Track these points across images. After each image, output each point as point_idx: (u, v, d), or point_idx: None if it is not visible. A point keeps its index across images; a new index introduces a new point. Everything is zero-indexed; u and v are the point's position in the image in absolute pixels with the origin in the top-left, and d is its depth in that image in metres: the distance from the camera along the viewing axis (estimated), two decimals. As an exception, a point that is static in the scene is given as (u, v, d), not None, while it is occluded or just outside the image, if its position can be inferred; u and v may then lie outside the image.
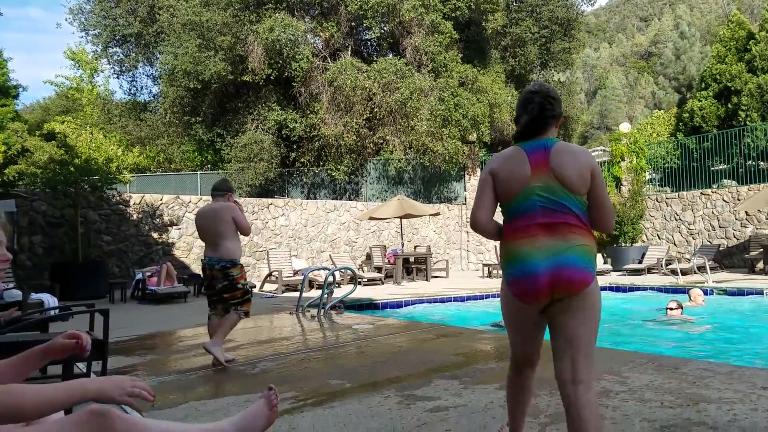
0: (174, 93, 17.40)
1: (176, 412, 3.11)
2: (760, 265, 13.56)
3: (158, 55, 19.56)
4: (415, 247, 16.36)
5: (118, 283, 10.72)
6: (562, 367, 2.08)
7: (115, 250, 12.25)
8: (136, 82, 22.09)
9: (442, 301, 10.01)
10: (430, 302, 9.88)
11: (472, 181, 18.81)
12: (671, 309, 7.79)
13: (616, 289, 11.89)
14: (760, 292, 9.57)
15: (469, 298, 9.90)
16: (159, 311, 8.74)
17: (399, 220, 14.84)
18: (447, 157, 16.99)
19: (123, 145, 22.47)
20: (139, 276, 10.65)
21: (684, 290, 10.48)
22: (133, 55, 20.75)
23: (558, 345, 2.11)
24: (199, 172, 21.82)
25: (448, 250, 17.58)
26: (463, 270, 17.43)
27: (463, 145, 17.59)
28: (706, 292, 10.12)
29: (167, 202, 13.20)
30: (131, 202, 12.72)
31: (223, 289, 4.52)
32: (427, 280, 13.81)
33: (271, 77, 17.17)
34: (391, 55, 19.32)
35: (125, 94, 24.69)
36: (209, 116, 18.73)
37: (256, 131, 17.75)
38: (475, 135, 17.88)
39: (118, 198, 12.59)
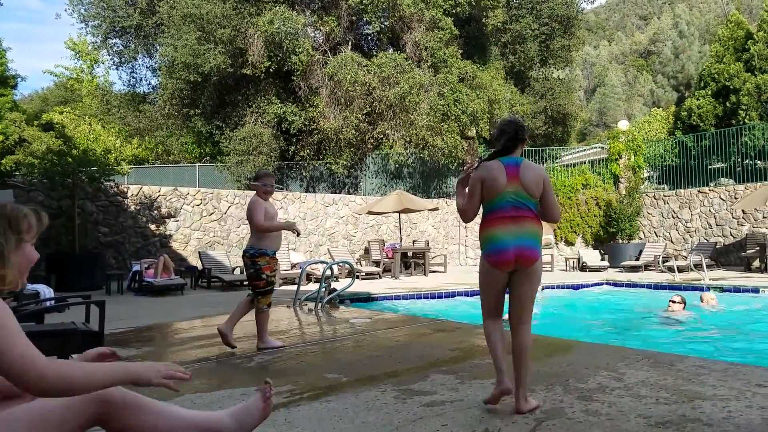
0: (173, 85, 17.34)
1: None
2: (756, 263, 13.60)
3: (158, 47, 19.47)
4: (414, 241, 16.37)
5: (114, 275, 10.71)
6: (514, 313, 3.07)
7: (112, 242, 12.24)
8: (136, 73, 22.01)
9: (440, 296, 10.02)
10: (428, 297, 9.90)
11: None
12: (674, 302, 7.81)
13: (614, 284, 11.91)
14: (756, 290, 9.60)
15: (467, 293, 9.91)
16: (156, 303, 8.74)
17: (398, 214, 14.85)
18: (446, 152, 16.99)
19: (121, 137, 22.46)
20: (136, 268, 10.64)
21: (680, 287, 10.53)
22: (133, 46, 20.65)
23: (513, 300, 3.07)
24: (197, 165, 21.79)
25: (446, 245, 17.59)
26: (462, 265, 17.45)
27: (462, 141, 17.58)
28: (703, 289, 10.18)
29: (165, 194, 13.18)
30: (129, 194, 12.70)
31: (250, 276, 4.74)
32: (425, 274, 13.83)
33: (271, 70, 17.11)
34: (391, 50, 19.28)
35: (124, 85, 24.63)
36: (208, 108, 18.69)
37: (255, 124, 17.71)
38: (474, 131, 17.88)
39: (115, 189, 12.56)
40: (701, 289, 10.19)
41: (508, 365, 2.93)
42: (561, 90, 22.42)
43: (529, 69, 22.35)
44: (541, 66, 22.81)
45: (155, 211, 12.92)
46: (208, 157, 23.17)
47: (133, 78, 22.06)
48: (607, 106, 43.58)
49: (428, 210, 15.24)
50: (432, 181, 19.50)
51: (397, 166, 18.42)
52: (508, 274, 3.00)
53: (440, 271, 14.81)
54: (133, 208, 12.66)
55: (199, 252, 12.39)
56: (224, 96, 18.74)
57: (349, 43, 18.94)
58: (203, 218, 13.58)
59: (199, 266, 11.88)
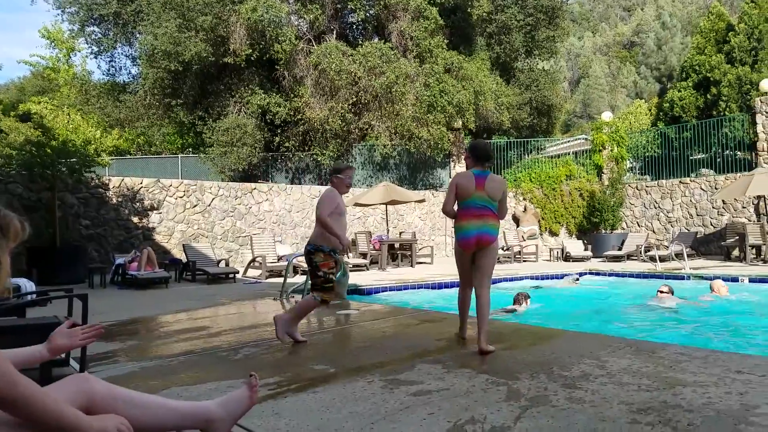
0: (154, 74, 17.08)
1: (159, 396, 3.10)
2: (736, 252, 13.84)
3: (137, 35, 19.16)
4: (401, 233, 16.40)
5: (97, 268, 10.60)
6: (476, 280, 4.28)
7: (93, 235, 12.09)
8: (115, 62, 21.59)
9: (427, 287, 10.07)
10: (415, 288, 9.94)
11: (458, 168, 18.87)
12: (662, 292, 7.92)
13: (596, 273, 12.05)
14: (735, 279, 9.77)
15: (453, 284, 9.94)
16: (139, 297, 8.67)
17: (384, 206, 14.85)
18: (432, 144, 17.00)
19: (101, 127, 22.12)
20: (119, 261, 10.53)
21: (661, 276, 10.69)
22: (112, 34, 20.26)
23: (476, 272, 4.29)
24: (180, 156, 21.56)
25: (433, 237, 17.65)
26: (448, 256, 17.52)
27: (449, 132, 17.60)
28: (684, 278, 10.33)
29: (147, 185, 13.04)
30: (110, 186, 12.54)
31: (309, 272, 4.77)
32: (412, 266, 13.87)
33: (253, 59, 16.92)
34: (376, 39, 19.18)
35: (103, 74, 24.13)
36: (190, 98, 18.46)
37: (238, 115, 17.55)
38: (460, 122, 17.90)
39: (96, 181, 12.39)
40: (683, 278, 10.36)
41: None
42: (546, 81, 22.50)
43: (514, 60, 22.38)
44: (526, 57, 22.85)
45: (137, 204, 12.78)
46: (190, 148, 22.94)
47: (113, 67, 21.67)
48: (591, 98, 43.83)
49: (415, 202, 15.27)
50: (418, 173, 19.52)
51: (383, 157, 18.40)
52: (472, 255, 4.30)
53: (427, 263, 14.87)
54: (114, 200, 12.51)
55: (183, 245, 12.29)
56: (206, 85, 18.51)
57: (334, 32, 18.82)
58: (187, 210, 13.47)
59: (184, 259, 11.79)
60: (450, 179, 19.01)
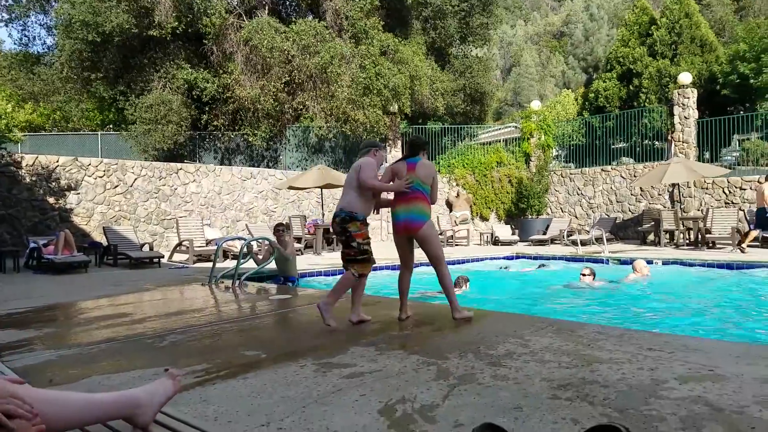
0: (71, 46, 16.04)
1: (78, 387, 2.96)
2: (651, 236, 14.73)
3: (53, 3, 17.92)
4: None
5: (9, 252, 9.95)
6: (430, 260, 4.55)
7: (5, 216, 11.33)
8: (28, 31, 20.18)
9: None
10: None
11: (393, 153, 18.95)
12: (584, 275, 8.31)
13: (523, 257, 12.50)
14: (650, 262, 10.40)
15: (387, 268, 10.05)
16: (57, 282, 8.22)
17: (320, 189, 14.73)
18: (368, 127, 16.97)
19: (13, 101, 20.62)
20: (33, 244, 9.93)
21: (582, 259, 11.23)
22: (24, 1, 18.87)
23: (427, 256, 4.55)
24: (99, 133, 20.46)
25: (368, 221, 17.71)
26: (383, 240, 17.64)
27: (385, 116, 17.61)
28: (603, 261, 10.89)
29: (64, 164, 12.32)
30: (23, 164, 11.76)
31: (342, 244, 4.44)
32: (344, 249, 13.86)
33: (179, 31, 16.21)
34: (310, 17, 18.85)
35: (15, 44, 22.51)
36: (111, 72, 17.51)
37: (163, 90, 16.81)
38: (396, 106, 17.96)
39: (8, 159, 11.58)
40: (602, 261, 10.93)
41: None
42: (479, 69, 22.92)
43: (449, 46, 22.63)
44: (460, 43, 23.16)
45: (53, 183, 12.06)
46: (111, 125, 21.82)
47: (26, 36, 20.25)
48: (521, 86, 45.05)
49: (349, 185, 15.20)
50: (354, 156, 19.37)
51: (318, 139, 18.20)
52: (409, 239, 4.57)
53: (359, 245, 14.88)
54: (28, 179, 11.75)
55: (103, 227, 11.72)
56: (129, 59, 17.59)
57: (266, 7, 18.32)
58: (107, 191, 12.85)
59: (104, 242, 11.26)
60: (387, 164, 19.08)
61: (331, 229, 4.59)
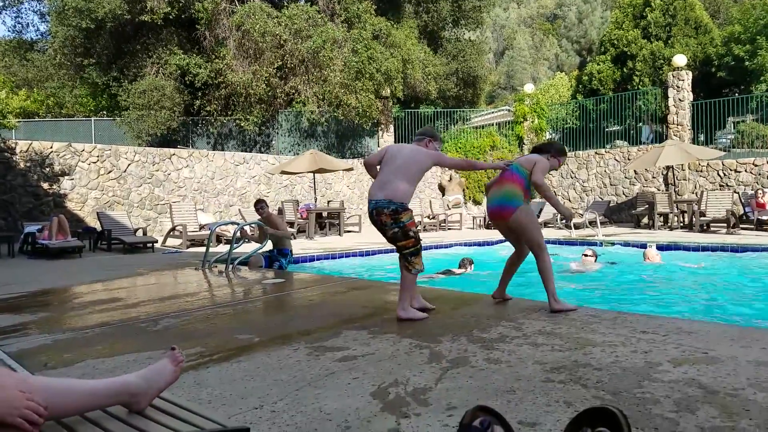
0: (64, 32, 15.86)
1: (72, 371, 2.95)
2: (645, 220, 14.78)
3: (45, -11, 17.66)
4: (329, 202, 16.31)
5: (4, 237, 9.90)
6: (531, 249, 4.27)
7: (0, 202, 11.26)
8: (22, 18, 19.98)
9: (354, 255, 10.12)
10: (343, 256, 9.96)
11: (386, 137, 18.88)
12: (587, 255, 8.34)
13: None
14: (644, 245, 10.44)
15: (380, 252, 10.08)
16: (52, 267, 8.19)
17: (312, 174, 14.67)
18: (360, 111, 16.87)
19: (7, 88, 20.39)
20: (28, 229, 9.89)
21: (575, 243, 11.26)
22: (16, -13, 18.60)
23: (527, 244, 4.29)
24: (93, 119, 20.27)
25: (361, 206, 17.68)
26: (374, 224, 17.67)
27: (377, 100, 17.51)
28: (597, 245, 10.93)
29: (58, 150, 12.22)
30: (17, 150, 11.66)
31: (393, 237, 4.03)
32: (339, 234, 13.87)
33: (171, 17, 16.03)
34: (303, 2, 18.65)
35: (9, 31, 22.27)
36: (104, 58, 17.33)
37: (156, 76, 16.66)
38: (388, 90, 17.85)
39: (2, 145, 11.48)
40: (595, 244, 10.96)
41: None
42: (472, 52, 22.76)
43: (441, 29, 22.45)
44: (453, 26, 22.98)
45: (47, 169, 11.98)
46: (104, 111, 21.63)
47: (19, 23, 19.99)
48: (514, 69, 44.88)
49: (343, 170, 15.19)
50: (347, 141, 19.38)
51: (311, 124, 18.10)
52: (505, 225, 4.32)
53: (355, 231, 14.91)
54: (22, 165, 11.66)
55: (97, 212, 11.67)
56: (122, 45, 17.41)
57: (258, -8, 18.09)
58: (101, 177, 12.77)
59: (98, 227, 11.21)
60: (380, 147, 19.05)
61: (375, 222, 4.07)
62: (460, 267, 8.12)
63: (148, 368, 2.12)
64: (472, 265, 8.10)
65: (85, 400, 1.95)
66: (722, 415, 2.15)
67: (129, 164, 13.23)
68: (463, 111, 21.85)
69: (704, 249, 9.86)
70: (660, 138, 17.04)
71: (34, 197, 11.79)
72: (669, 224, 14.02)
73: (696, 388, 2.44)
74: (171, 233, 11.71)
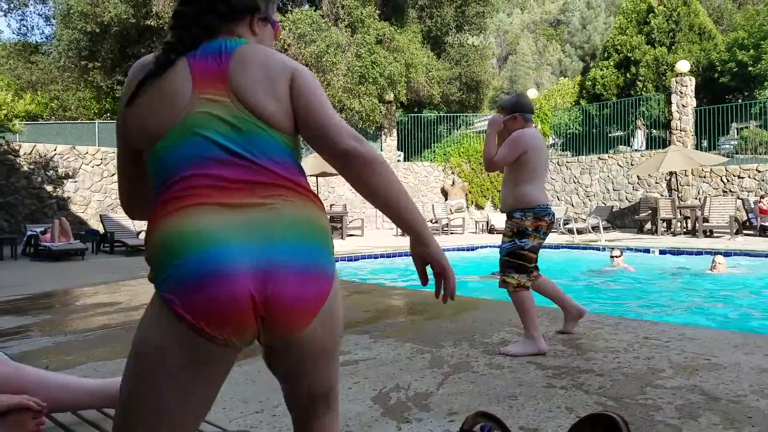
0: (69, 35, 15.95)
1: (74, 373, 2.95)
2: (648, 225, 14.74)
3: (51, -8, 17.78)
4: (331, 205, 16.32)
5: (7, 239, 9.94)
6: None
7: (3, 204, 11.30)
8: (27, 21, 20.10)
9: (357, 258, 10.12)
10: (345, 260, 9.96)
11: (389, 141, 18.89)
12: (616, 257, 8.36)
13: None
14: (647, 251, 10.42)
15: (382, 256, 10.08)
16: (54, 269, 8.21)
17: (315, 178, 14.69)
18: (364, 116, 16.90)
19: (12, 90, 20.48)
20: (31, 231, 9.91)
21: (578, 247, 11.23)
22: (23, -10, 18.73)
23: None
24: (97, 121, 20.30)
25: (363, 209, 17.70)
26: (378, 228, 17.67)
27: (380, 104, 17.55)
28: (600, 250, 10.89)
29: (62, 152, 12.27)
30: (21, 153, 11.71)
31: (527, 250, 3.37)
32: (342, 238, 13.87)
33: None
34: (306, 6, 18.71)
35: (14, 34, 22.40)
36: (108, 62, 17.39)
37: (161, 80, 16.73)
38: (392, 94, 17.88)
39: (6, 147, 11.53)
40: (598, 249, 10.94)
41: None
42: (475, 57, 22.78)
43: (445, 34, 22.48)
44: (456, 32, 23.01)
45: (51, 171, 12.02)
46: (108, 114, 21.70)
47: (24, 26, 20.24)
48: (518, 75, 44.90)
49: (345, 173, 15.15)
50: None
51: (313, 128, 18.11)
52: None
53: (357, 235, 14.91)
54: (26, 167, 11.71)
55: (100, 215, 11.70)
56: (126, 48, 17.48)
57: (263, -3, 18.19)
58: (104, 179, 12.80)
59: (101, 230, 11.23)
60: (382, 152, 19.08)
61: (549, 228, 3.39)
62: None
63: None
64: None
65: (83, 396, 1.97)
66: (725, 421, 2.14)
67: (132, 167, 13.26)
68: (466, 116, 21.86)
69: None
70: (657, 143, 17.03)
71: (38, 199, 11.82)
72: (672, 230, 13.98)
73: (698, 395, 2.43)
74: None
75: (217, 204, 1.07)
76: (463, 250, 11.70)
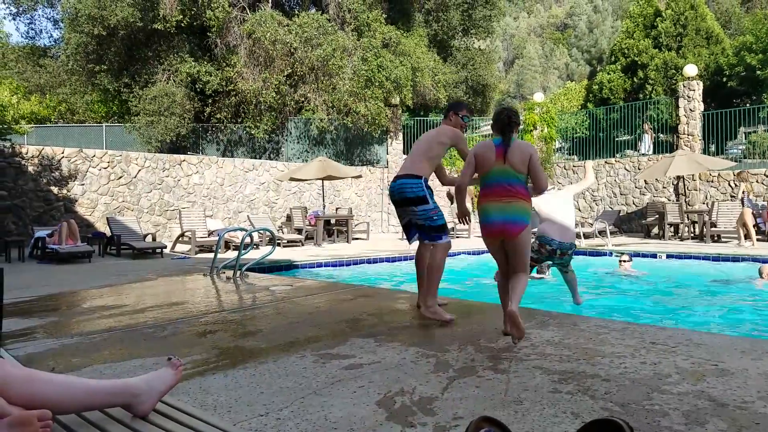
0: (77, 39, 16.08)
1: (79, 375, 2.96)
2: (655, 230, 14.67)
3: (59, -4, 17.93)
4: (337, 209, 16.34)
5: (15, 241, 9.98)
6: (516, 267, 3.66)
7: (10, 206, 11.37)
8: (35, 24, 20.29)
9: (362, 262, 10.12)
10: (350, 264, 9.96)
11: (395, 145, 18.91)
12: (625, 261, 8.37)
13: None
14: (654, 255, 10.36)
15: (388, 260, 10.07)
16: (61, 271, 8.24)
17: (321, 181, 14.72)
18: (369, 119, 16.93)
19: (20, 93, 20.65)
20: (38, 234, 9.97)
21: (585, 252, 11.17)
22: (32, -5, 18.91)
23: (510, 261, 3.68)
24: (104, 124, 20.49)
25: (369, 213, 17.70)
26: (384, 232, 17.66)
27: (386, 108, 17.57)
28: (606, 254, 10.84)
29: (69, 155, 12.34)
30: (29, 155, 11.78)
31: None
32: (348, 242, 13.88)
33: (183, 24, 16.20)
34: (313, 10, 18.79)
35: (23, 37, 22.55)
36: (116, 65, 17.51)
37: (167, 83, 16.81)
38: (397, 98, 17.91)
39: (13, 150, 11.60)
40: (605, 254, 10.88)
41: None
42: (481, 61, 22.81)
43: (451, 38, 22.52)
44: (463, 36, 23.04)
45: (58, 174, 12.09)
46: (115, 117, 21.85)
47: (32, 30, 20.32)
48: (524, 78, 44.88)
49: (352, 177, 15.22)
50: (355, 148, 19.43)
51: (320, 131, 18.17)
52: (500, 241, 3.66)
53: (363, 239, 14.91)
54: (33, 170, 11.78)
55: (107, 218, 11.75)
56: (133, 52, 17.60)
57: (269, 1, 18.26)
58: (111, 182, 12.87)
59: (108, 233, 11.28)
60: (387, 155, 19.09)
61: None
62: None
63: (151, 374, 2.20)
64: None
65: (87, 397, 1.98)
66: (732, 428, 2.12)
67: (139, 170, 13.32)
68: (472, 119, 21.85)
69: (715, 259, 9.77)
70: (664, 147, 16.95)
71: (45, 202, 11.89)
72: (679, 234, 13.90)
73: (705, 401, 2.41)
74: (180, 239, 11.76)
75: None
76: (469, 254, 11.67)
